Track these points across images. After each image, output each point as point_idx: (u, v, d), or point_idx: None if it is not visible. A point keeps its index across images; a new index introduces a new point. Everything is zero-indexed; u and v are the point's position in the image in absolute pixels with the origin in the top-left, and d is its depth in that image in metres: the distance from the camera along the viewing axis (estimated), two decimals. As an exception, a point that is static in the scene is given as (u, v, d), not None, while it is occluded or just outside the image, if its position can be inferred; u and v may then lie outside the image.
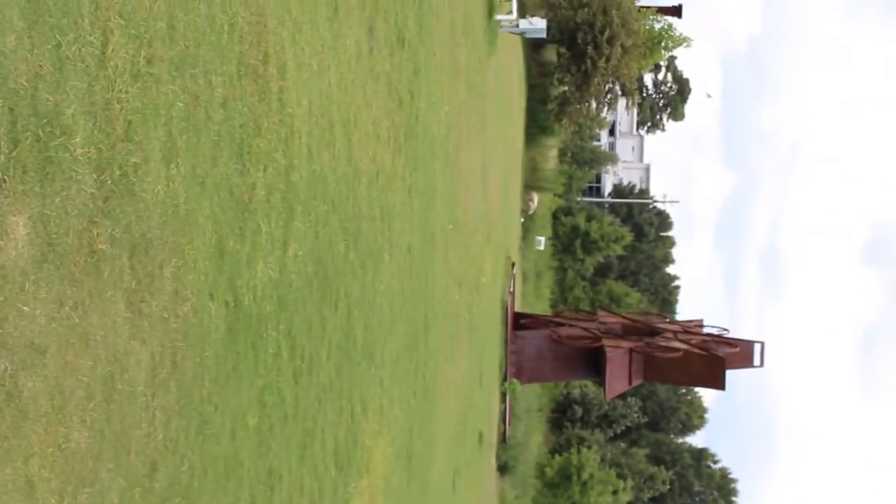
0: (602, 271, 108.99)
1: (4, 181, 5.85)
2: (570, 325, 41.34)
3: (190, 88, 8.49)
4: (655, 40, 61.09)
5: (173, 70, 8.14)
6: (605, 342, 38.26)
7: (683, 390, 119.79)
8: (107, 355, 7.04)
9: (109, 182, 7.05)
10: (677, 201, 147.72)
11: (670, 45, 62.71)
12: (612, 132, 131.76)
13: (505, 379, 41.29)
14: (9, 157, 5.88)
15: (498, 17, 37.24)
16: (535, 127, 65.88)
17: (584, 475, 66.42)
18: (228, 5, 9.42)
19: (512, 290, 45.63)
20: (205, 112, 8.84)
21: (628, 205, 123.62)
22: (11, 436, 5.91)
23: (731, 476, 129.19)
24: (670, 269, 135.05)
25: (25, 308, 6.05)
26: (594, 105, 60.44)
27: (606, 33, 53.89)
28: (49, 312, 6.31)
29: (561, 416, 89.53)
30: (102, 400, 6.98)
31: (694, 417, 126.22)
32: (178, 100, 8.22)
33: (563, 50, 57.81)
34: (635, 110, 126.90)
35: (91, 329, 6.81)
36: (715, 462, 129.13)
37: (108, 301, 7.06)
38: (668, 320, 45.53)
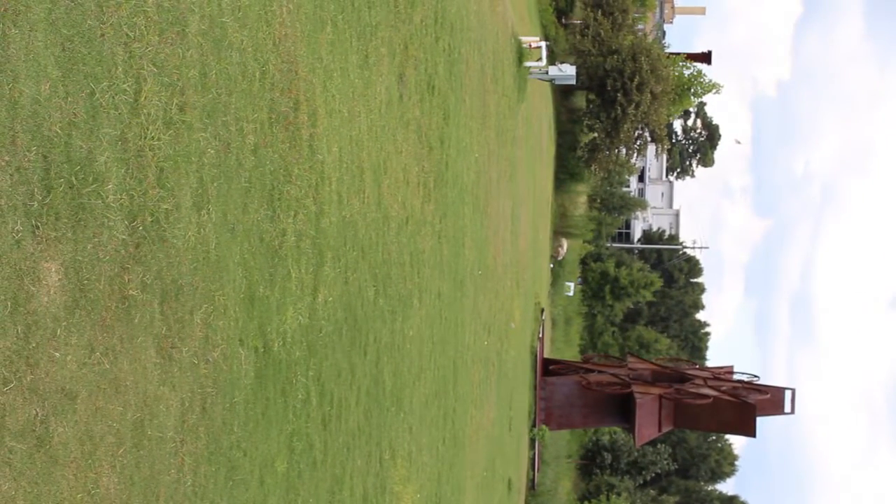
0: (632, 317, 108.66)
1: (37, 227, 5.89)
2: (600, 372, 41.18)
3: (221, 135, 8.54)
4: (685, 86, 61.15)
5: (205, 117, 8.19)
6: (635, 388, 38.10)
7: (713, 437, 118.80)
8: (137, 401, 7.05)
9: (141, 228, 7.09)
10: (707, 247, 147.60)
11: (700, 91, 62.69)
12: (641, 178, 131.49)
13: (534, 425, 41.15)
14: (42, 203, 5.93)
15: (527, 63, 37.30)
16: (565, 173, 65.99)
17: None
18: (260, 53, 9.49)
19: (541, 335, 45.51)
20: (236, 159, 8.88)
21: (658, 251, 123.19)
22: (41, 481, 5.91)
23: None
24: (700, 315, 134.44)
25: (57, 354, 6.07)
26: (624, 151, 60.51)
27: (636, 80, 54.06)
28: (80, 358, 6.33)
29: (590, 462, 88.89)
30: (132, 446, 6.99)
31: (724, 464, 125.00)
32: (209, 147, 8.27)
33: (592, 96, 58.03)
34: (665, 156, 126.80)
35: (121, 375, 6.83)
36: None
37: (139, 347, 7.08)
38: (697, 367, 45.25)
